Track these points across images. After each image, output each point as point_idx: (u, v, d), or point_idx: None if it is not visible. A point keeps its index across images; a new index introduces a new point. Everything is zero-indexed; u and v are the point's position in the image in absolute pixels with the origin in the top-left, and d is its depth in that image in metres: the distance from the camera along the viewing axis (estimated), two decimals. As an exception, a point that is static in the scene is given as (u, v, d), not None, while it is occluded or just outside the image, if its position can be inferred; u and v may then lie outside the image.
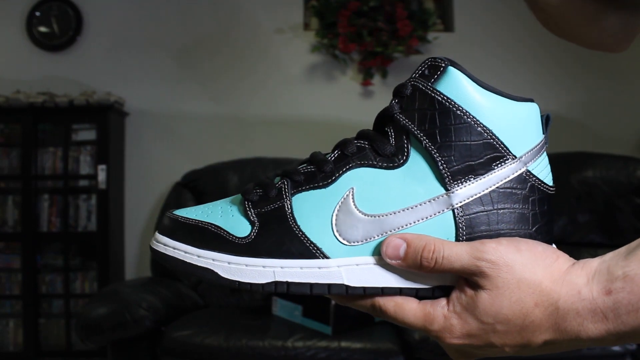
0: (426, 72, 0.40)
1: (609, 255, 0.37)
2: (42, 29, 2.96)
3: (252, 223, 0.40)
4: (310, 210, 0.40)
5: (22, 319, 2.74)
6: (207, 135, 2.97)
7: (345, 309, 1.90)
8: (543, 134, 0.41)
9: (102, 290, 2.24)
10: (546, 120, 0.42)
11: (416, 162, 0.40)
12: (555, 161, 2.78)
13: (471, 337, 0.38)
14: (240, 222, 0.41)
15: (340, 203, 0.40)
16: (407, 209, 0.39)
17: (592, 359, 1.88)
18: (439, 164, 0.39)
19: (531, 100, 0.41)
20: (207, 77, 2.98)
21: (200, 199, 2.54)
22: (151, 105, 2.97)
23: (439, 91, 0.39)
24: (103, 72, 2.96)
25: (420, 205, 0.39)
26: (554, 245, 0.42)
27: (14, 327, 2.77)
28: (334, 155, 0.42)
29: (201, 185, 2.57)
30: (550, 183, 0.42)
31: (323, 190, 0.40)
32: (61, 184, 2.82)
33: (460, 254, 0.37)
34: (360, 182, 0.40)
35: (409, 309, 0.39)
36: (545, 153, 0.42)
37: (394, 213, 0.39)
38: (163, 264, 0.41)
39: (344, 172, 0.40)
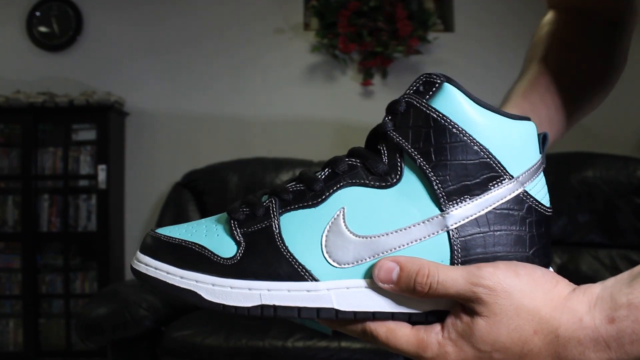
0: (421, 88, 0.38)
1: (611, 281, 0.36)
2: (42, 29, 2.96)
3: (238, 243, 0.39)
4: (299, 230, 0.38)
5: (22, 319, 2.74)
6: (207, 135, 2.97)
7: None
8: (540, 153, 0.40)
9: (102, 290, 2.24)
10: (543, 140, 0.41)
11: (410, 181, 0.38)
12: (555, 161, 2.79)
13: None
14: (226, 242, 0.39)
15: (330, 223, 0.38)
16: (400, 230, 0.38)
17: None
18: (434, 183, 0.37)
19: (528, 119, 0.40)
20: (207, 77, 2.98)
21: (200, 199, 2.54)
22: (151, 105, 2.97)
23: (434, 108, 0.37)
24: (103, 72, 2.96)
25: (413, 226, 0.38)
26: (551, 269, 0.40)
27: (14, 327, 2.77)
28: (324, 174, 0.40)
29: (201, 185, 2.57)
30: (548, 204, 0.41)
31: (312, 209, 0.39)
32: (61, 184, 2.82)
33: (455, 278, 0.36)
34: (352, 201, 0.38)
35: (402, 335, 0.38)
36: (542, 174, 0.41)
37: (387, 234, 0.38)
38: (144, 284, 0.40)
39: (334, 191, 0.39)
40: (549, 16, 0.64)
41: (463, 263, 0.38)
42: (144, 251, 0.40)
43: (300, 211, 0.39)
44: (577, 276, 2.40)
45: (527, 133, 0.39)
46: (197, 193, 2.56)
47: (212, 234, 0.40)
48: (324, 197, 0.39)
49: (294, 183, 0.41)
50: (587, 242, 2.39)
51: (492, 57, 2.87)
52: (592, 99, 0.61)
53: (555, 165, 2.51)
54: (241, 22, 2.98)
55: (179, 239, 0.40)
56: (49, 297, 2.79)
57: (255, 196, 0.41)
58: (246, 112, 2.97)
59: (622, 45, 0.63)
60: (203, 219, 0.42)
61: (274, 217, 0.39)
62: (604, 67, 0.61)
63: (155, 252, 0.40)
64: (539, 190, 0.40)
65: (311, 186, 0.39)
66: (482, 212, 0.38)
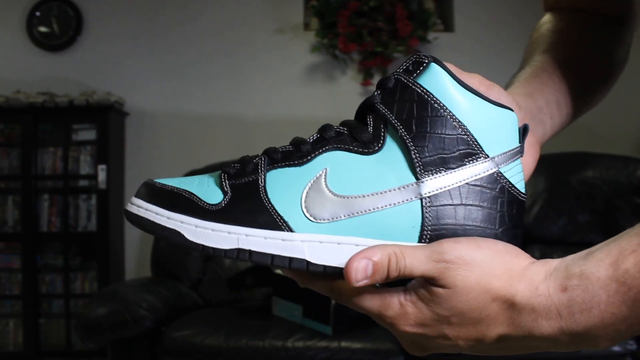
0: (410, 67, 0.41)
1: (570, 257, 0.37)
2: (42, 29, 2.96)
3: (224, 192, 0.41)
4: (283, 185, 0.41)
5: (22, 319, 2.74)
6: (207, 135, 2.97)
7: (345, 309, 1.91)
8: (519, 143, 0.42)
9: (102, 290, 2.24)
10: (523, 131, 0.42)
11: (390, 150, 0.40)
12: (555, 161, 2.79)
13: (424, 327, 0.38)
14: (214, 191, 0.42)
15: (312, 182, 0.41)
16: (376, 194, 0.40)
17: (593, 359, 1.88)
18: (412, 152, 0.40)
19: (510, 109, 0.41)
20: (207, 77, 2.98)
21: (200, 199, 2.54)
22: (151, 105, 2.97)
23: (419, 84, 0.40)
24: (103, 72, 2.96)
25: (389, 191, 0.40)
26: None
27: (14, 327, 2.77)
28: (313, 138, 0.43)
29: (201, 185, 2.56)
30: (523, 190, 0.42)
31: (297, 168, 0.41)
32: (61, 184, 2.82)
33: (420, 258, 0.37)
34: (335, 164, 0.41)
35: (366, 294, 0.39)
36: (519, 161, 0.42)
37: (363, 196, 0.40)
38: (133, 224, 0.42)
39: (320, 154, 0.41)
40: (547, 17, 0.64)
41: (432, 231, 0.39)
42: (139, 195, 0.43)
43: (287, 169, 0.42)
44: (577, 276, 2.40)
45: (508, 120, 0.41)
46: (197, 193, 2.56)
47: (203, 184, 0.43)
48: (309, 157, 0.41)
49: (284, 146, 0.44)
50: (587, 242, 2.39)
51: (492, 57, 2.87)
52: (597, 91, 0.62)
53: (555, 165, 2.52)
54: (241, 22, 2.98)
55: (172, 186, 0.43)
56: (49, 297, 2.79)
57: (249, 156, 0.44)
58: (246, 112, 2.97)
59: (624, 41, 0.63)
60: (199, 175, 0.45)
61: (261, 172, 0.41)
62: (607, 61, 0.62)
63: (149, 196, 0.43)
64: (514, 175, 0.42)
65: (299, 147, 0.42)
66: (456, 185, 0.40)
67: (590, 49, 0.60)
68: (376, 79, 2.95)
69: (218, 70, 2.97)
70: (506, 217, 0.41)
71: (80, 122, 2.82)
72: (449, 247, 0.37)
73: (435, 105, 0.40)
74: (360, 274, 0.37)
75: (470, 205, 0.40)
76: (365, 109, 0.42)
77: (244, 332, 1.91)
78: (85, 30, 2.99)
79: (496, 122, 0.41)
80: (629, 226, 0.36)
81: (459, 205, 0.40)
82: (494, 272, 0.36)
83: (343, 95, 2.96)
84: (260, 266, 2.37)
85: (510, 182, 0.41)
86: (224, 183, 0.42)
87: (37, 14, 2.96)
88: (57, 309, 2.79)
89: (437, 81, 0.40)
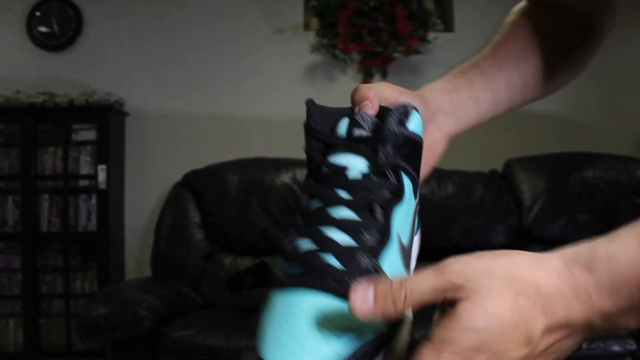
0: (401, 117, 0.46)
1: (583, 244, 0.36)
2: (42, 29, 2.96)
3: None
4: (392, 266, 0.43)
5: (22, 319, 2.74)
6: (207, 135, 2.97)
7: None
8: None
9: (102, 290, 2.24)
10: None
11: (407, 188, 0.45)
12: (555, 161, 2.79)
13: (471, 352, 0.33)
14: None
15: (399, 248, 0.44)
16: (411, 224, 0.46)
17: (593, 359, 1.88)
18: (417, 182, 0.47)
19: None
20: (207, 77, 2.98)
21: (201, 199, 2.54)
22: (151, 105, 2.97)
23: (414, 132, 0.46)
24: (103, 72, 2.96)
25: (412, 217, 0.47)
26: None
27: (14, 327, 2.77)
28: (378, 214, 0.43)
29: (201, 185, 2.57)
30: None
31: (389, 245, 0.43)
32: (61, 184, 2.82)
33: (426, 276, 0.35)
34: (397, 224, 0.44)
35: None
36: None
37: (409, 232, 0.46)
38: None
39: (390, 224, 0.43)
40: (519, 6, 0.64)
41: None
42: None
43: (384, 251, 0.42)
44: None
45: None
46: (197, 193, 2.56)
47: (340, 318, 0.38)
48: (389, 232, 0.43)
49: (362, 237, 0.42)
50: (587, 242, 2.39)
51: (492, 57, 2.86)
52: (543, 86, 0.64)
53: (555, 165, 2.52)
54: (241, 22, 2.98)
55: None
56: (49, 297, 2.79)
57: (328, 264, 0.42)
58: (246, 112, 2.97)
59: (590, 45, 0.64)
60: (288, 324, 0.39)
61: (379, 269, 0.41)
62: (563, 61, 0.63)
63: None
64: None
65: (378, 229, 0.42)
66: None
67: (561, 41, 0.61)
68: (376, 79, 2.94)
69: (218, 70, 2.97)
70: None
71: (80, 122, 2.82)
72: (453, 262, 0.35)
73: (420, 142, 0.47)
74: (360, 306, 0.35)
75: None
76: (388, 166, 0.45)
77: (244, 332, 1.91)
78: (85, 30, 2.99)
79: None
80: None
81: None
82: (506, 268, 0.35)
83: (343, 95, 2.94)
84: (260, 266, 2.37)
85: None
86: (364, 261, 0.41)
87: (37, 14, 2.96)
88: (57, 309, 2.79)
89: (418, 123, 0.47)
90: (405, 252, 0.45)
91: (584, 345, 1.87)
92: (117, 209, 2.86)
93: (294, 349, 0.37)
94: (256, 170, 2.55)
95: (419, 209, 0.49)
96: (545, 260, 0.35)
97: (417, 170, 0.47)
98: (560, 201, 2.41)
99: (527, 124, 2.90)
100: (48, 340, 2.76)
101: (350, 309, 0.35)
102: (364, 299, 0.35)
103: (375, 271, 0.40)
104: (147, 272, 2.62)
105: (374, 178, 0.44)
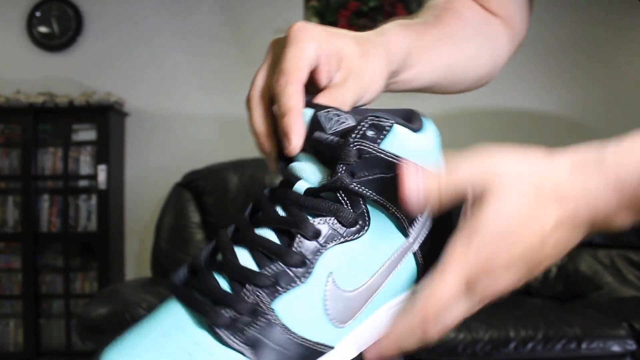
0: (368, 132, 0.37)
1: (591, 146, 0.38)
2: (42, 29, 2.96)
3: (242, 352, 0.35)
4: (299, 312, 0.36)
5: (22, 319, 2.74)
6: (207, 135, 2.97)
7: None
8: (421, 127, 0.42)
9: (102, 290, 2.24)
10: (412, 118, 0.42)
11: (377, 221, 0.38)
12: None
13: (496, 241, 0.35)
14: (228, 357, 0.35)
15: (325, 292, 0.37)
16: (381, 269, 0.38)
17: (593, 359, 1.88)
18: (400, 218, 0.38)
19: (418, 113, 0.41)
20: (207, 77, 2.98)
21: (200, 199, 2.54)
22: (151, 105, 2.97)
23: (390, 153, 0.37)
24: (103, 72, 2.96)
25: (389, 259, 0.38)
26: None
27: (14, 327, 2.77)
28: (297, 245, 0.37)
29: (201, 185, 2.57)
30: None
31: (303, 286, 0.36)
32: (61, 184, 2.82)
33: (466, 162, 0.36)
34: (336, 263, 0.37)
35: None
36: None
37: (372, 277, 0.38)
38: None
39: (317, 260, 0.37)
40: None
41: (426, 270, 0.39)
42: None
43: (291, 292, 0.36)
44: (577, 276, 2.40)
45: (433, 130, 0.41)
46: (197, 193, 2.56)
47: (201, 355, 0.35)
48: (309, 270, 0.36)
49: (265, 265, 0.37)
50: (587, 242, 2.39)
51: (492, 57, 2.86)
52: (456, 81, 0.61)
53: (555, 165, 2.52)
54: (241, 22, 2.98)
55: None
56: (49, 297, 2.79)
57: (207, 282, 0.36)
58: (246, 111, 2.97)
59: (507, 52, 0.65)
60: (158, 327, 0.37)
61: (269, 311, 0.35)
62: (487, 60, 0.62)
63: None
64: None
65: (289, 262, 0.36)
66: (429, 222, 0.40)
67: (481, 41, 0.61)
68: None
69: (218, 70, 2.97)
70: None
71: (80, 122, 2.82)
72: (486, 151, 0.37)
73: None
74: (413, 185, 0.35)
75: (449, 228, 0.39)
76: (334, 189, 0.37)
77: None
78: (85, 30, 2.99)
79: (432, 143, 0.40)
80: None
81: (442, 237, 0.39)
82: (529, 169, 0.36)
83: (343, 95, 2.96)
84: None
85: None
86: (231, 341, 0.35)
87: (37, 14, 2.96)
88: (57, 309, 2.79)
89: (403, 142, 0.37)
90: (345, 299, 0.37)
91: (584, 345, 1.88)
92: (117, 209, 2.86)
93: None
94: (256, 170, 2.55)
95: (420, 256, 0.40)
96: (559, 160, 0.37)
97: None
98: (560, 201, 2.41)
99: (527, 124, 2.90)
100: (48, 340, 2.76)
101: (402, 195, 0.35)
102: (416, 182, 0.35)
103: (255, 312, 0.35)
104: (147, 272, 2.62)
105: (319, 200, 0.37)
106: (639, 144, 0.37)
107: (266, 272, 0.36)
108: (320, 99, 0.40)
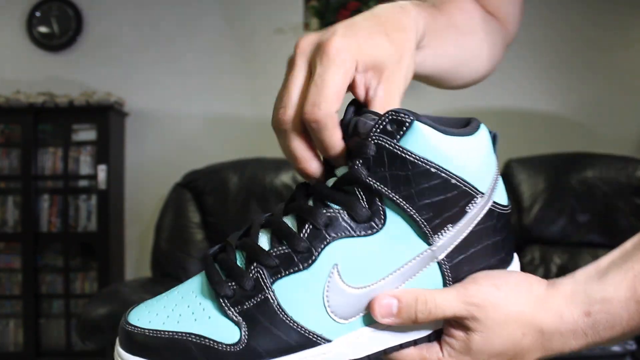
0: (388, 127, 0.36)
1: (581, 276, 0.40)
2: (42, 29, 2.96)
3: (237, 323, 0.37)
4: (299, 296, 0.37)
5: (22, 319, 2.74)
6: (207, 135, 2.97)
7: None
8: (495, 153, 0.41)
9: (102, 290, 2.24)
10: (494, 139, 0.41)
11: (394, 223, 0.37)
12: (555, 161, 2.79)
13: None
14: (223, 325, 0.37)
15: (327, 283, 0.37)
16: (395, 273, 0.38)
17: (592, 359, 1.88)
18: (420, 223, 0.37)
19: (478, 121, 0.40)
20: (207, 77, 2.98)
21: (200, 199, 2.54)
22: (151, 105, 2.97)
23: (409, 151, 0.36)
24: (103, 72, 2.96)
25: (406, 265, 0.38)
26: (516, 258, 0.44)
27: (14, 327, 2.77)
28: (306, 231, 0.37)
29: (201, 185, 2.57)
30: (506, 202, 0.42)
31: (305, 272, 0.37)
32: (61, 184, 2.82)
33: (450, 300, 0.39)
34: (343, 256, 0.37)
35: (407, 353, 0.41)
36: (500, 176, 0.41)
37: (383, 279, 0.38)
38: None
39: (322, 249, 0.37)
40: None
41: (453, 282, 0.40)
42: (133, 350, 0.38)
43: (293, 276, 0.37)
44: (577, 276, 2.40)
45: (486, 140, 0.40)
46: (197, 193, 2.56)
47: (202, 318, 0.37)
48: (313, 257, 0.37)
49: (274, 247, 0.38)
50: (587, 242, 2.39)
51: (492, 57, 2.86)
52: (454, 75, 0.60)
53: (555, 165, 2.52)
54: (241, 22, 2.98)
55: (167, 331, 0.37)
56: (49, 297, 2.79)
57: (232, 260, 0.39)
58: (246, 112, 2.97)
59: (501, 52, 0.65)
60: (179, 293, 0.40)
61: (268, 290, 0.37)
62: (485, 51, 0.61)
63: (147, 350, 0.37)
64: (500, 194, 0.41)
65: (295, 247, 0.37)
66: (464, 235, 0.39)
67: (478, 34, 0.60)
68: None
69: (218, 70, 2.97)
70: (506, 239, 0.42)
71: (80, 122, 2.82)
72: (475, 291, 0.39)
73: (433, 170, 0.36)
74: (384, 310, 0.38)
75: (480, 246, 0.40)
76: (351, 182, 0.38)
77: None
78: (85, 30, 2.99)
79: (480, 151, 0.39)
80: (629, 226, 0.38)
81: (471, 251, 0.40)
82: (518, 308, 0.39)
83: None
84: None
85: (500, 205, 0.41)
86: (229, 312, 0.37)
87: (37, 14, 2.96)
88: (57, 309, 2.79)
89: (425, 141, 0.36)
90: (349, 295, 0.37)
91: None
92: (117, 209, 2.85)
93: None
94: (256, 170, 2.55)
95: (447, 267, 0.39)
96: (552, 300, 0.40)
97: (431, 211, 0.37)
98: (560, 201, 2.41)
99: (527, 124, 2.90)
100: (48, 340, 2.76)
101: (372, 313, 0.38)
102: (388, 307, 0.38)
103: (257, 288, 0.37)
104: (147, 272, 2.62)
105: (335, 191, 0.38)
106: (622, 282, 0.39)
107: (273, 253, 0.37)
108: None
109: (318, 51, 0.39)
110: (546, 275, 2.44)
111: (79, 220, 2.80)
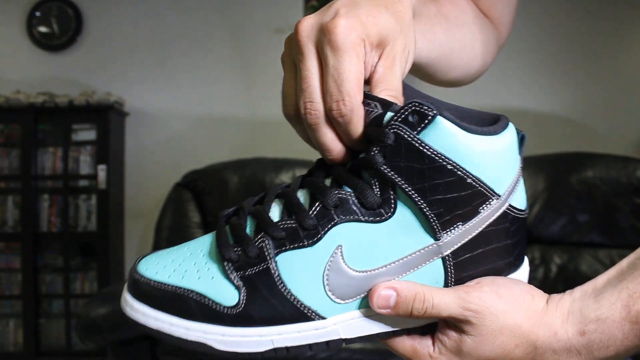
0: (410, 118, 0.36)
1: (578, 294, 0.40)
2: (42, 29, 2.96)
3: (237, 287, 0.38)
4: (299, 271, 0.38)
5: (22, 319, 2.74)
6: (207, 135, 2.97)
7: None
8: (519, 154, 0.40)
9: (102, 290, 2.24)
10: (521, 140, 0.41)
11: (403, 214, 0.38)
12: (555, 161, 2.78)
13: None
14: (224, 287, 0.38)
15: (329, 262, 0.38)
16: (398, 262, 0.38)
17: None
18: (429, 217, 0.37)
19: (506, 120, 0.39)
20: (207, 77, 2.98)
21: (200, 199, 2.54)
22: (151, 105, 2.97)
23: (428, 145, 0.36)
24: (103, 72, 2.96)
25: (410, 256, 0.38)
26: (526, 263, 0.44)
27: (14, 327, 2.77)
28: (315, 210, 0.38)
29: (201, 185, 2.57)
30: (524, 207, 0.41)
31: (309, 249, 0.38)
32: (61, 184, 2.82)
33: (448, 302, 0.39)
34: (348, 238, 0.38)
35: (399, 341, 0.42)
36: (521, 178, 0.41)
37: (385, 267, 0.39)
38: (146, 333, 0.39)
39: (329, 229, 0.38)
40: None
41: (456, 282, 0.40)
42: (138, 297, 0.39)
43: (297, 251, 0.38)
44: (577, 276, 2.40)
45: (511, 141, 0.39)
46: (197, 193, 2.56)
47: (206, 277, 0.39)
48: (319, 236, 0.38)
49: (283, 220, 0.39)
50: (587, 242, 2.39)
51: (492, 57, 2.86)
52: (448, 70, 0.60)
53: (555, 165, 2.51)
54: (241, 22, 2.98)
55: (171, 285, 0.39)
56: (49, 297, 2.79)
57: (241, 225, 0.40)
58: (246, 112, 2.97)
59: (494, 52, 0.65)
60: (189, 250, 0.41)
61: (271, 260, 0.38)
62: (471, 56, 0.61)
63: (151, 300, 0.39)
64: (518, 197, 0.40)
65: (303, 223, 0.38)
66: (473, 235, 0.39)
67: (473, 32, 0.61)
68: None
69: (218, 70, 2.97)
70: (517, 243, 0.41)
71: (80, 122, 2.82)
72: (476, 298, 0.39)
73: (449, 167, 0.36)
74: (381, 301, 0.39)
75: (488, 248, 0.40)
76: (365, 167, 0.38)
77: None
78: (85, 30, 2.99)
79: (503, 152, 0.38)
80: (629, 226, 0.37)
81: (478, 252, 0.39)
82: (516, 321, 0.39)
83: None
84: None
85: (516, 209, 0.40)
86: (231, 275, 0.38)
87: (37, 14, 2.96)
88: (57, 309, 2.79)
89: (446, 137, 0.36)
90: (349, 277, 0.38)
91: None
92: (117, 209, 2.86)
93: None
94: (256, 170, 2.55)
95: (450, 264, 0.39)
96: (549, 316, 0.40)
97: (442, 207, 0.37)
98: (560, 201, 2.41)
99: (527, 124, 2.90)
100: (48, 340, 2.76)
101: (370, 302, 0.39)
102: (386, 299, 0.39)
103: (260, 257, 0.38)
104: (147, 272, 2.62)
105: (349, 174, 0.38)
106: (616, 303, 0.39)
107: (281, 226, 0.38)
108: (377, 92, 0.39)
109: (324, 36, 0.37)
110: (546, 275, 2.44)
111: (78, 220, 2.80)
